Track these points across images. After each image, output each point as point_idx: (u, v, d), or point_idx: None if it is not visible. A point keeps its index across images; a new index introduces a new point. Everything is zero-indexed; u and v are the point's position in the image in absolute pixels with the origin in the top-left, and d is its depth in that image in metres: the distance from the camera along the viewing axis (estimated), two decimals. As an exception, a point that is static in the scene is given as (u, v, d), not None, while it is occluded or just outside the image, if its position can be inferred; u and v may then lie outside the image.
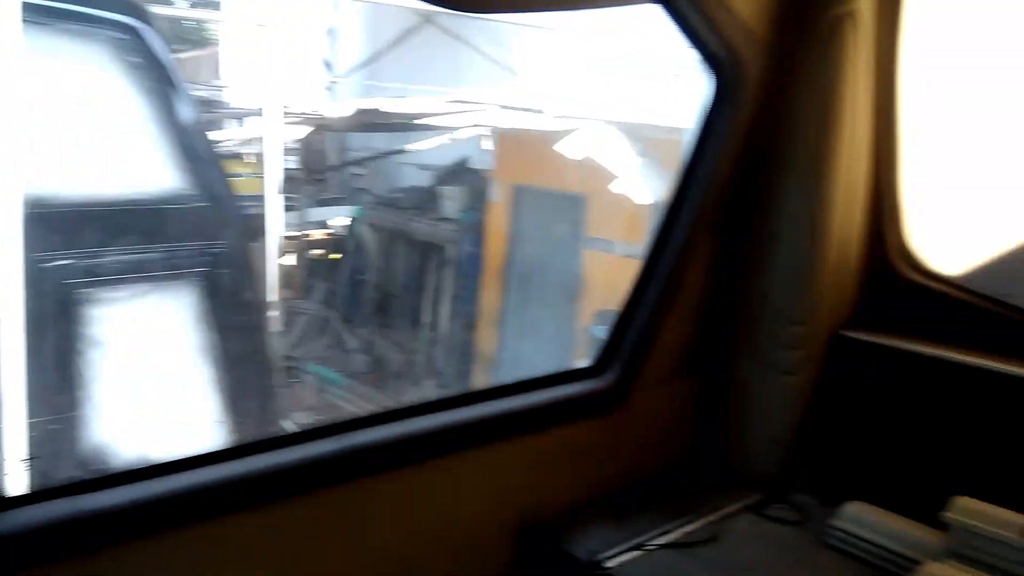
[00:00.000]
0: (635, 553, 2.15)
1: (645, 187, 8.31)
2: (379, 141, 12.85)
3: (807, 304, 2.41)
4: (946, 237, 2.47)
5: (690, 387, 2.65)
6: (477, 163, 11.41)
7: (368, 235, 12.39)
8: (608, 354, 2.49)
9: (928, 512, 2.03)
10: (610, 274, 8.60)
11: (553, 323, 9.87)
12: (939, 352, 2.30)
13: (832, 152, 2.29)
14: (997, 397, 2.19)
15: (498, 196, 10.50)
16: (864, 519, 2.17)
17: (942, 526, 2.00)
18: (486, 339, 10.75)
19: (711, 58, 2.23)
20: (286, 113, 10.50)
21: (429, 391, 10.88)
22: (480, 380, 10.66)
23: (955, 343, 2.31)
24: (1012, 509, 1.95)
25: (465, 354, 11.14)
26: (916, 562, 1.95)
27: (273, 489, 1.75)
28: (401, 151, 12.57)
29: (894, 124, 2.38)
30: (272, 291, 10.32)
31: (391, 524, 1.98)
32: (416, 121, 11.05)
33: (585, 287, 9.45)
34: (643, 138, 8.43)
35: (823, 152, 2.30)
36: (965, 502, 1.99)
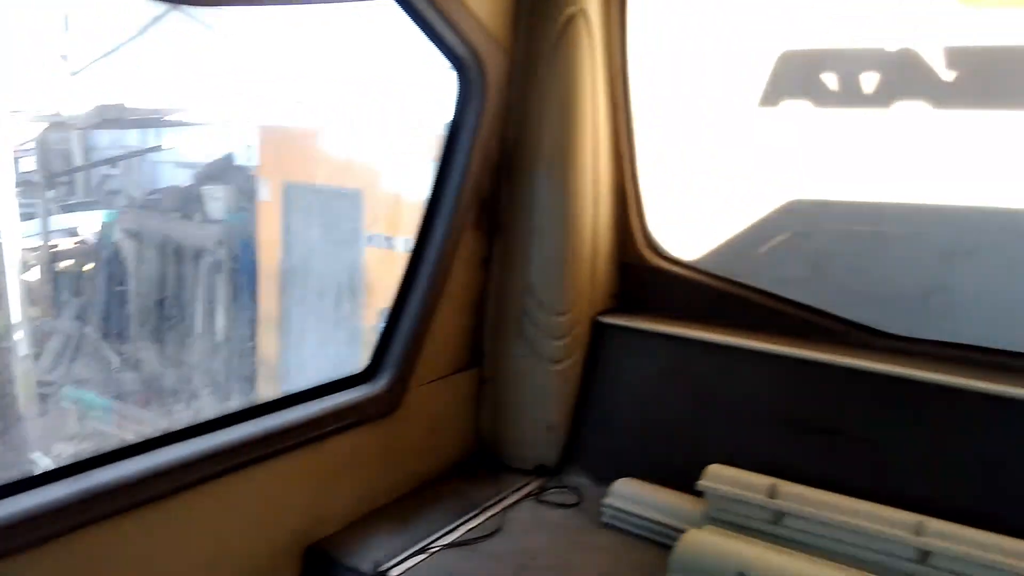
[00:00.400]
0: (420, 557, 2.12)
1: (419, 181, 8.31)
2: (132, 138, 11.81)
3: (567, 294, 2.50)
4: (684, 224, 2.67)
5: (468, 381, 2.67)
6: (243, 160, 10.82)
7: (125, 241, 11.38)
8: (380, 357, 2.44)
9: (692, 482, 2.16)
10: (392, 270, 8.49)
11: (337, 323, 9.63)
12: (686, 331, 2.47)
13: (576, 148, 2.41)
14: (740, 369, 2.39)
15: (268, 194, 10.04)
16: (632, 495, 2.29)
17: (701, 494, 2.15)
18: (268, 345, 10.28)
19: (454, 58, 2.26)
20: (15, 111, 9.35)
21: (207, 406, 10.23)
22: (264, 388, 10.19)
23: (699, 321, 2.51)
24: (762, 472, 2.12)
25: (246, 362, 10.58)
26: (681, 531, 2.07)
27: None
28: (157, 148, 11.64)
29: (629, 120, 2.54)
30: (13, 310, 9.19)
31: (154, 565, 1.81)
32: (169, 116, 10.28)
33: (368, 285, 9.30)
34: (411, 131, 8.41)
35: (567, 148, 2.41)
36: (717, 469, 2.15)
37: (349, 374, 2.44)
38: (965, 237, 2.28)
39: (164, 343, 11.13)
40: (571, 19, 2.32)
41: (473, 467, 2.63)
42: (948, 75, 2.22)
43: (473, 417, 2.69)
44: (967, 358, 2.14)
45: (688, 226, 2.65)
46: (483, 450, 2.68)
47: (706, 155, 2.62)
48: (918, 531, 1.86)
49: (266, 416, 2.12)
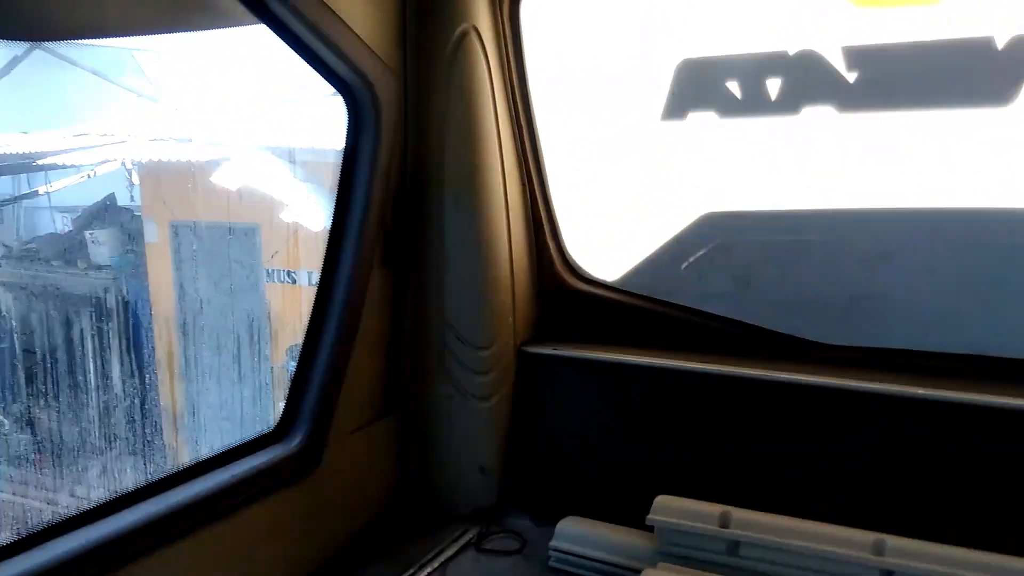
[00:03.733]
0: (357, 631, 1.95)
1: (316, 213, 8.04)
2: (3, 186, 11.06)
3: (488, 326, 2.37)
4: (602, 244, 2.58)
5: (391, 428, 2.49)
6: (126, 201, 10.26)
7: (3, 295, 10.65)
8: (293, 411, 2.24)
9: (641, 515, 2.04)
10: (297, 306, 8.21)
11: (243, 365, 9.22)
12: (616, 356, 2.37)
13: (482, 171, 2.28)
14: (676, 391, 2.30)
15: (155, 235, 9.56)
16: (579, 535, 2.16)
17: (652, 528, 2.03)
18: (171, 393, 9.77)
19: (341, 84, 2.10)
20: None
21: (112, 463, 9.65)
22: (170, 439, 9.66)
23: (627, 343, 2.41)
24: (713, 500, 2.01)
25: (149, 413, 10.03)
26: (636, 571, 1.95)
27: None
28: (32, 194, 10.93)
29: (535, 138, 2.42)
30: None
31: None
32: (43, 161, 9.66)
33: (273, 322, 8.95)
34: (303, 162, 8.16)
35: (473, 172, 2.28)
36: (665, 501, 2.04)
37: (259, 433, 2.24)
38: (882, 241, 2.27)
39: (57, 399, 10.47)
40: (463, 36, 2.19)
41: (405, 520, 2.46)
42: (850, 76, 2.20)
43: (400, 466, 2.52)
44: (899, 363, 2.11)
45: (606, 246, 2.56)
46: (414, 500, 2.52)
47: (615, 172, 2.54)
48: (878, 550, 1.79)
49: (166, 492, 1.90)
